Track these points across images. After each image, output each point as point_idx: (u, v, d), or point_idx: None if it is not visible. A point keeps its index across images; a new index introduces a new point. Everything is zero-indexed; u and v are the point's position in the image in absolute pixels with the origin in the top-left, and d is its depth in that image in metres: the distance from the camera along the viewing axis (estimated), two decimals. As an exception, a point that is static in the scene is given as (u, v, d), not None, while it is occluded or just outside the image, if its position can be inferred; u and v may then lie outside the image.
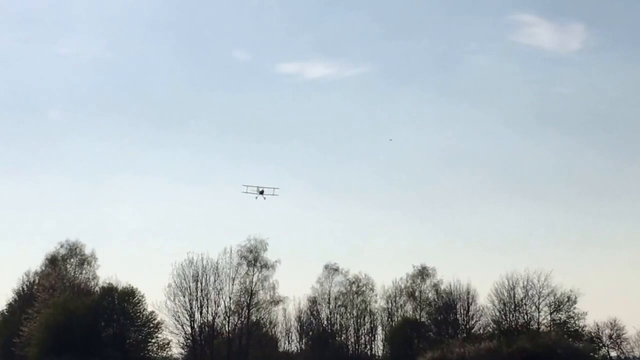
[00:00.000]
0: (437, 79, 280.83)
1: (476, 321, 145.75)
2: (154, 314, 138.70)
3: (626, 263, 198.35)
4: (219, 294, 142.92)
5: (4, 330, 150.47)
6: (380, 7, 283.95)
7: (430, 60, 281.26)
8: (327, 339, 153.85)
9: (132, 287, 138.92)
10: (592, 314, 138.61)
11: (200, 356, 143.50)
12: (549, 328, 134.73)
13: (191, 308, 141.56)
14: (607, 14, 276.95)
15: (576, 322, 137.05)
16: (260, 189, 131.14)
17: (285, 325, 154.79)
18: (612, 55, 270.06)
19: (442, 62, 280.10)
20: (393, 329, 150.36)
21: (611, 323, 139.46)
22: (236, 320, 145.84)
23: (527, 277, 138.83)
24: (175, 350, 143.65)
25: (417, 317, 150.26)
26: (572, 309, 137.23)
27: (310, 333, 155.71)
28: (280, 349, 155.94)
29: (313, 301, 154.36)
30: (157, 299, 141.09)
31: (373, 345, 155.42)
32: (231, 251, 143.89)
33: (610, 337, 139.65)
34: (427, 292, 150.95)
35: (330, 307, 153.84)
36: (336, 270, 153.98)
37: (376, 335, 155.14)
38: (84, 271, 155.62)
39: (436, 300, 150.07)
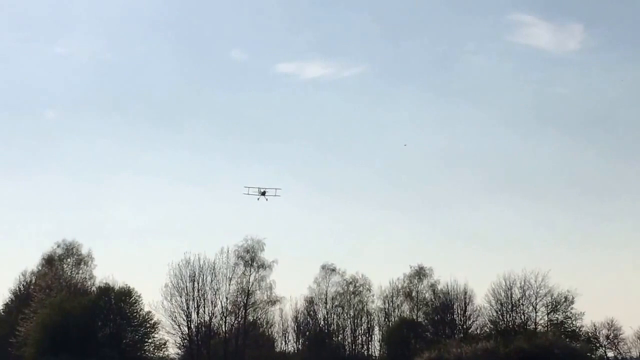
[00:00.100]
0: (436, 79, 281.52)
1: (473, 321, 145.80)
2: (150, 314, 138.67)
3: (624, 264, 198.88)
4: (215, 294, 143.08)
5: (1, 330, 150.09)
6: (379, 7, 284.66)
7: (428, 60, 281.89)
8: (324, 339, 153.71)
9: (129, 287, 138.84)
10: (589, 315, 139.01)
11: (197, 356, 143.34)
12: (546, 328, 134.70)
13: (188, 308, 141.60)
14: (606, 15, 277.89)
15: (573, 322, 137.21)
16: (262, 190, 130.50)
17: (282, 325, 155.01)
18: (611, 56, 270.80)
19: (440, 62, 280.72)
20: (390, 329, 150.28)
21: (608, 323, 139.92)
22: (233, 320, 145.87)
23: (525, 277, 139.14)
24: (172, 350, 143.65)
25: (414, 317, 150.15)
26: (569, 309, 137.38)
27: (307, 333, 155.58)
28: (277, 349, 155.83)
29: (310, 301, 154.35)
30: (153, 299, 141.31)
31: (370, 346, 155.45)
32: (228, 251, 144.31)
33: (607, 337, 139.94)
34: (424, 292, 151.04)
35: (327, 307, 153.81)
36: (333, 270, 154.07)
37: (373, 336, 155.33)
38: (80, 271, 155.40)
39: (433, 300, 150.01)
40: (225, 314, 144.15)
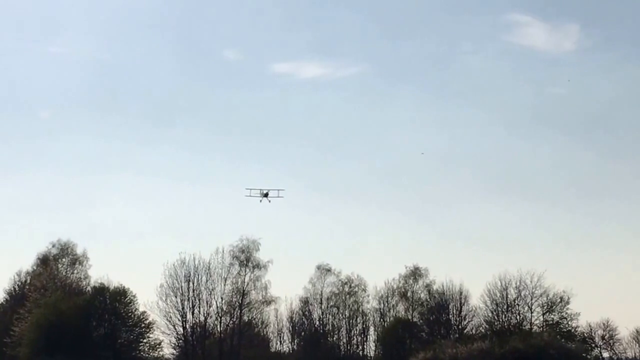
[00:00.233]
0: (432, 79, 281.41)
1: (469, 322, 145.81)
2: (145, 314, 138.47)
3: (619, 264, 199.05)
4: (211, 294, 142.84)
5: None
6: (375, 7, 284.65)
7: (425, 60, 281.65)
8: (319, 339, 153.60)
9: (124, 287, 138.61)
10: (584, 315, 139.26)
11: (192, 356, 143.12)
12: (541, 329, 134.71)
13: (183, 308, 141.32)
14: (602, 15, 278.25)
15: (569, 322, 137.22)
16: (265, 192, 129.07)
17: (277, 325, 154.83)
18: (607, 56, 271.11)
19: (437, 62, 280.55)
20: (385, 329, 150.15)
21: (604, 324, 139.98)
22: (228, 320, 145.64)
23: (520, 278, 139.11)
24: (167, 350, 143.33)
25: (410, 317, 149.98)
26: (564, 309, 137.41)
27: (303, 333, 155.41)
28: (272, 349, 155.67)
29: (305, 301, 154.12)
30: (148, 299, 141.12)
31: (365, 346, 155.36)
32: (223, 251, 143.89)
33: (602, 337, 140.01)
34: (420, 292, 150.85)
35: (323, 307, 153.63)
36: (328, 270, 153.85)
37: (368, 336, 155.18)
38: (75, 271, 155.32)
39: (428, 300, 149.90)
40: (220, 314, 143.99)
